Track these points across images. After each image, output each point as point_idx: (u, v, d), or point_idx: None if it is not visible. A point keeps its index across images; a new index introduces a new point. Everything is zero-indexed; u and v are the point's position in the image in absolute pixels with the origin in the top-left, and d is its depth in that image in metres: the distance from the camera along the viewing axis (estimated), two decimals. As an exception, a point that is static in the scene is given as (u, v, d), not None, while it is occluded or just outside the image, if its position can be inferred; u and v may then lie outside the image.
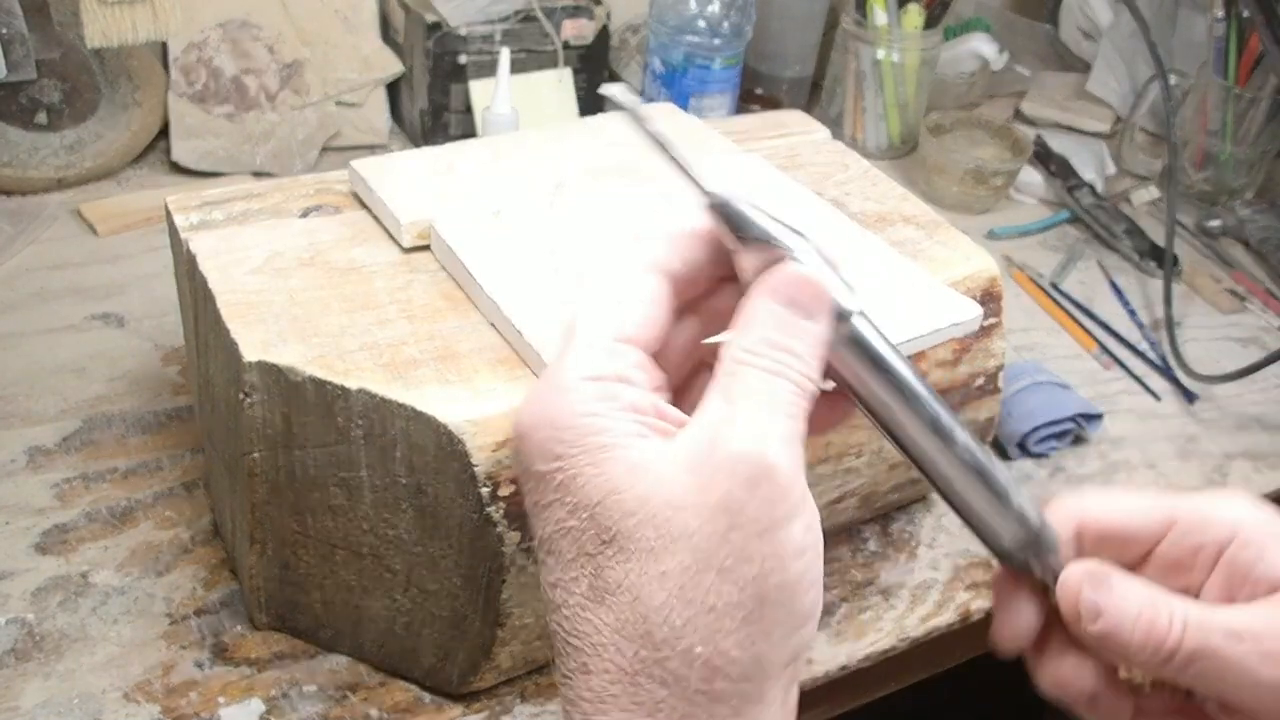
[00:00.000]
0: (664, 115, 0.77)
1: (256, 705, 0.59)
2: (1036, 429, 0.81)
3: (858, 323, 0.35)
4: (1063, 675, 0.38)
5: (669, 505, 0.31)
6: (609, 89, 0.35)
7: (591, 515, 0.31)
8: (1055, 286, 1.02)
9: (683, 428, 0.33)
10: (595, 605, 0.31)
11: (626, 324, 0.34)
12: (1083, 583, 0.37)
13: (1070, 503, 0.40)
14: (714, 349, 0.35)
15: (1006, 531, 0.37)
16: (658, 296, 0.35)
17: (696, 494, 0.31)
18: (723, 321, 0.35)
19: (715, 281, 0.37)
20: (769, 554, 0.31)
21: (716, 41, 1.05)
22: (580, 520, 0.32)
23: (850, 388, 0.36)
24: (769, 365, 0.33)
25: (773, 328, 0.33)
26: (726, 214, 0.35)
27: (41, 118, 0.97)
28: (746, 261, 0.35)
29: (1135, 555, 0.39)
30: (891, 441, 0.37)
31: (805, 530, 0.32)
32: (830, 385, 0.36)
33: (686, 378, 0.38)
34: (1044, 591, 0.39)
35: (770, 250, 0.34)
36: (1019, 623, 0.39)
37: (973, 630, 0.70)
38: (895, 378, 0.35)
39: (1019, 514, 0.37)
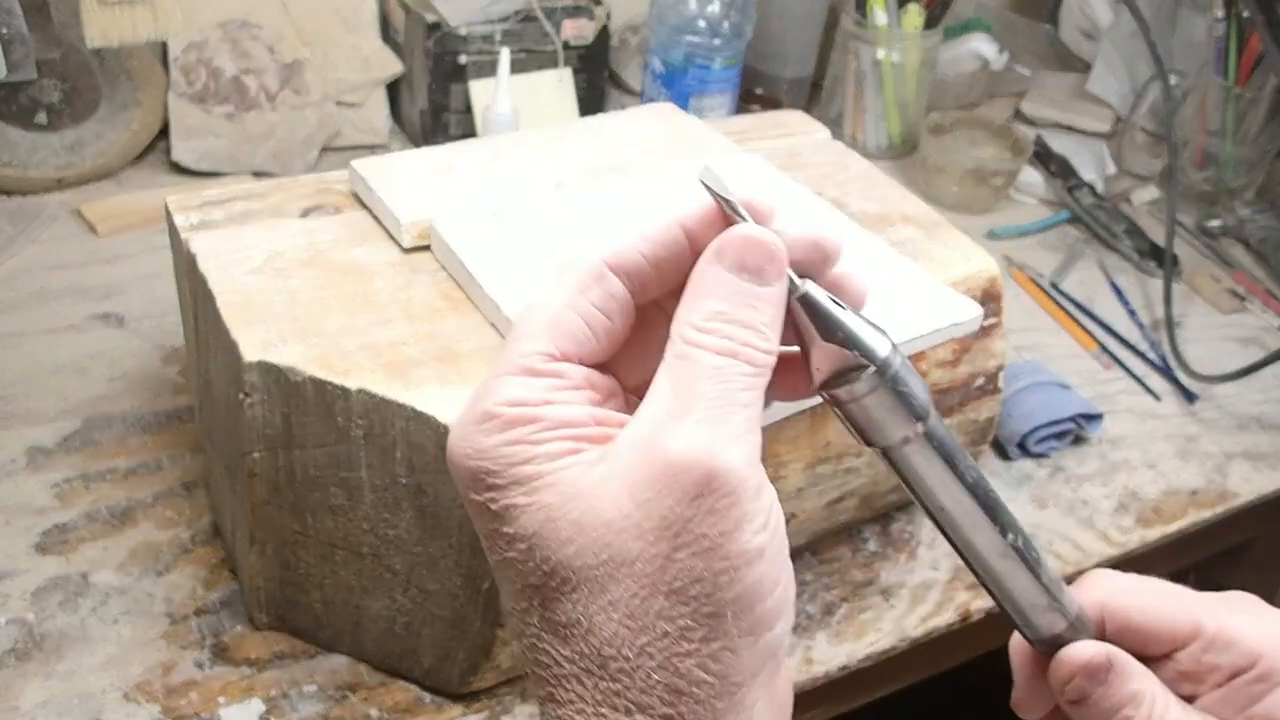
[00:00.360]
0: (663, 114, 0.77)
1: (256, 705, 0.59)
2: (1036, 429, 0.81)
3: (935, 423, 0.33)
4: None
5: (608, 529, 0.28)
6: (706, 175, 0.31)
7: (530, 546, 0.29)
8: (1055, 286, 1.02)
9: (611, 438, 0.30)
10: (551, 636, 0.30)
11: (564, 338, 0.31)
12: (1076, 673, 0.37)
13: (1102, 581, 0.39)
14: None
15: (1044, 622, 0.37)
16: (608, 303, 0.31)
17: (636, 512, 0.28)
18: None
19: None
20: (720, 569, 0.28)
21: (716, 41, 1.05)
22: (519, 552, 0.29)
23: (907, 476, 0.34)
24: (719, 344, 0.29)
25: (725, 298, 0.30)
26: (810, 308, 0.32)
27: (41, 118, 0.97)
28: (819, 359, 0.32)
29: (1152, 653, 0.38)
30: (935, 523, 0.35)
31: (759, 530, 0.29)
32: (794, 349, 0.33)
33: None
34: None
35: (842, 353, 0.32)
36: (1041, 697, 0.38)
37: (973, 630, 0.70)
38: (963, 477, 0.34)
39: (1060, 606, 0.37)
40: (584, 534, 0.28)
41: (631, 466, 0.29)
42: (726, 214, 0.32)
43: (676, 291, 0.32)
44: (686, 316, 0.30)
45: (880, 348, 0.31)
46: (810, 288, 0.32)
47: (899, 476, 0.34)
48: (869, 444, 0.33)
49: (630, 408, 0.32)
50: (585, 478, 0.29)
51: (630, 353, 0.33)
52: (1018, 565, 0.35)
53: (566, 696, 0.29)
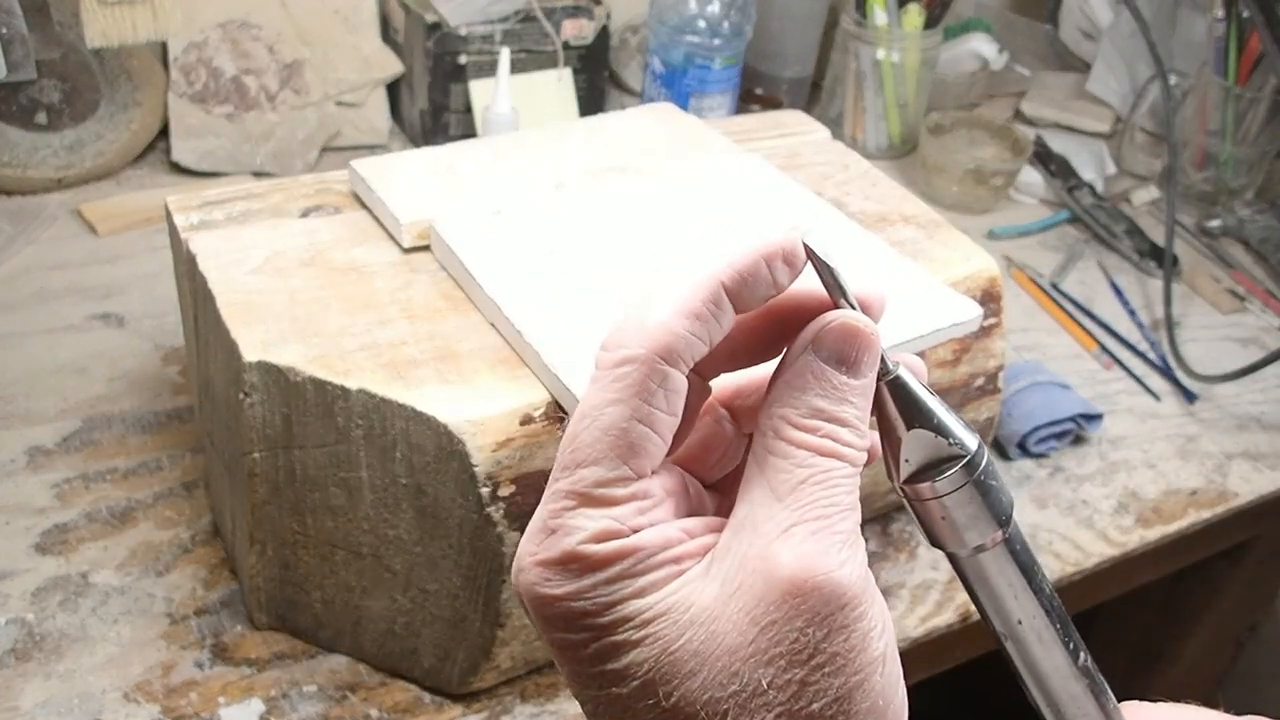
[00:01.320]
0: (663, 114, 0.77)
1: (256, 705, 0.59)
2: (1036, 429, 0.81)
3: (1015, 530, 0.31)
4: None
5: (733, 656, 0.27)
6: (809, 237, 0.29)
7: (645, 682, 0.27)
8: (1055, 286, 1.02)
9: (719, 533, 0.28)
10: None
11: (632, 452, 0.28)
12: None
13: (1138, 713, 0.37)
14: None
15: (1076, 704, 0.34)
16: (674, 401, 0.28)
17: (761, 637, 0.26)
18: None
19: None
20: (855, 684, 0.27)
21: (716, 41, 1.05)
22: (633, 689, 0.27)
23: (977, 586, 0.32)
24: (821, 444, 0.28)
25: (821, 392, 0.28)
26: (903, 394, 0.30)
27: (41, 118, 0.97)
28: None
29: None
30: (997, 637, 0.33)
31: (882, 634, 0.28)
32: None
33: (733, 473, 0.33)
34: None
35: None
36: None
37: (973, 630, 0.70)
38: (1039, 589, 0.31)
39: (1092, 697, 0.34)
40: (708, 664, 0.27)
41: (748, 587, 0.27)
42: (823, 282, 0.29)
43: (723, 353, 0.30)
44: (782, 411, 0.28)
45: (970, 441, 0.30)
46: (903, 372, 0.30)
47: (966, 584, 0.31)
48: (940, 546, 0.31)
49: (692, 492, 0.30)
50: (698, 601, 0.27)
51: (701, 454, 0.32)
52: (1086, 691, 0.33)
53: None
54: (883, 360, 0.30)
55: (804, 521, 0.27)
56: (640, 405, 0.28)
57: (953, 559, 0.31)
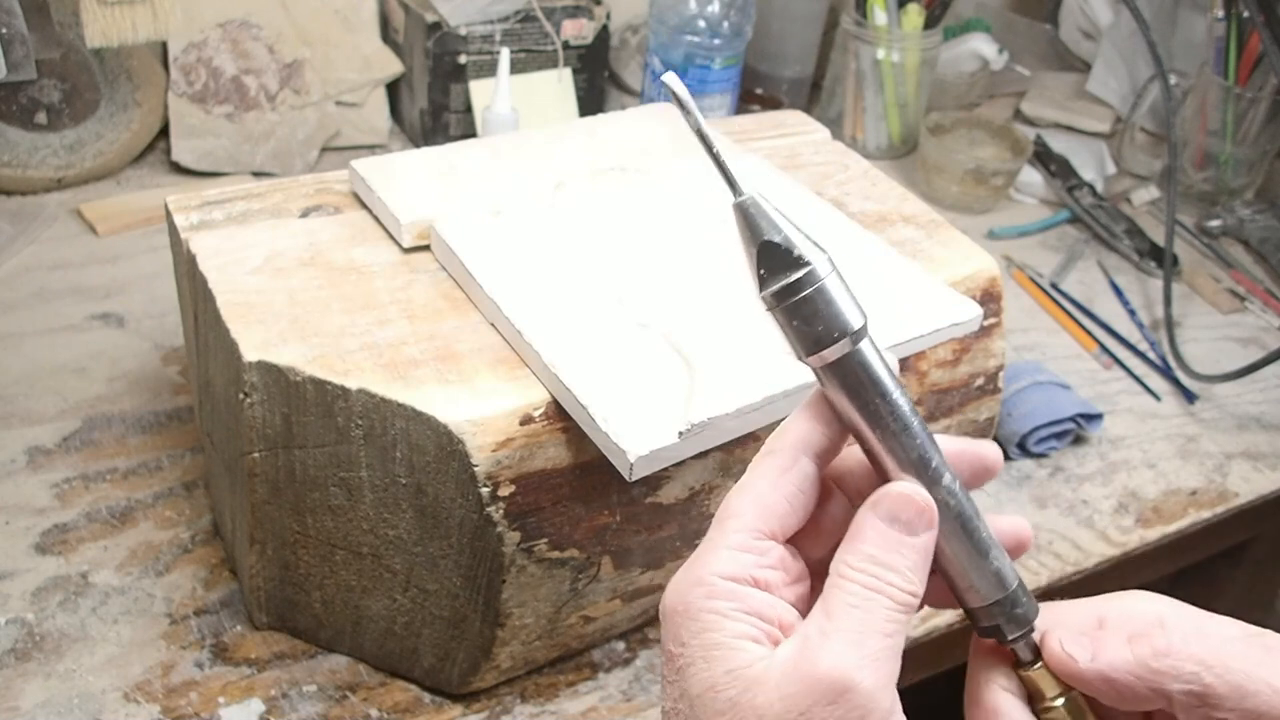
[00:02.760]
0: (664, 114, 0.77)
1: (256, 705, 0.59)
2: (1036, 429, 0.81)
3: (863, 344, 0.35)
4: None
5: (754, 713, 0.33)
6: (668, 78, 0.35)
7: (691, 705, 0.34)
8: (1055, 286, 1.02)
9: (790, 637, 0.35)
10: None
11: (770, 517, 0.36)
12: (1064, 636, 0.38)
13: (1206, 629, 0.39)
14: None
15: (982, 586, 0.37)
16: (804, 484, 0.37)
17: (780, 705, 0.33)
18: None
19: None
20: None
21: (716, 41, 1.05)
22: (685, 706, 0.34)
23: (840, 404, 0.36)
24: (868, 581, 0.34)
25: (875, 543, 0.35)
26: (750, 215, 0.35)
27: (41, 118, 0.97)
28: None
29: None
30: (876, 472, 0.37)
31: None
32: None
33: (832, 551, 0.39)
34: (1012, 663, 0.39)
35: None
36: (992, 695, 0.39)
37: (973, 630, 0.70)
38: (890, 406, 0.35)
39: (996, 571, 0.37)
40: (735, 712, 0.33)
41: (785, 669, 0.33)
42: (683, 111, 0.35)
43: (850, 472, 0.39)
44: (843, 556, 0.35)
45: (813, 255, 0.34)
46: (757, 195, 0.35)
47: (831, 398, 0.36)
48: (798, 358, 0.35)
49: (811, 588, 0.37)
50: (750, 668, 0.34)
51: (811, 528, 0.38)
52: (948, 516, 0.36)
53: None
54: (736, 185, 0.35)
55: (840, 633, 0.33)
56: (779, 479, 0.36)
57: (815, 374, 0.36)
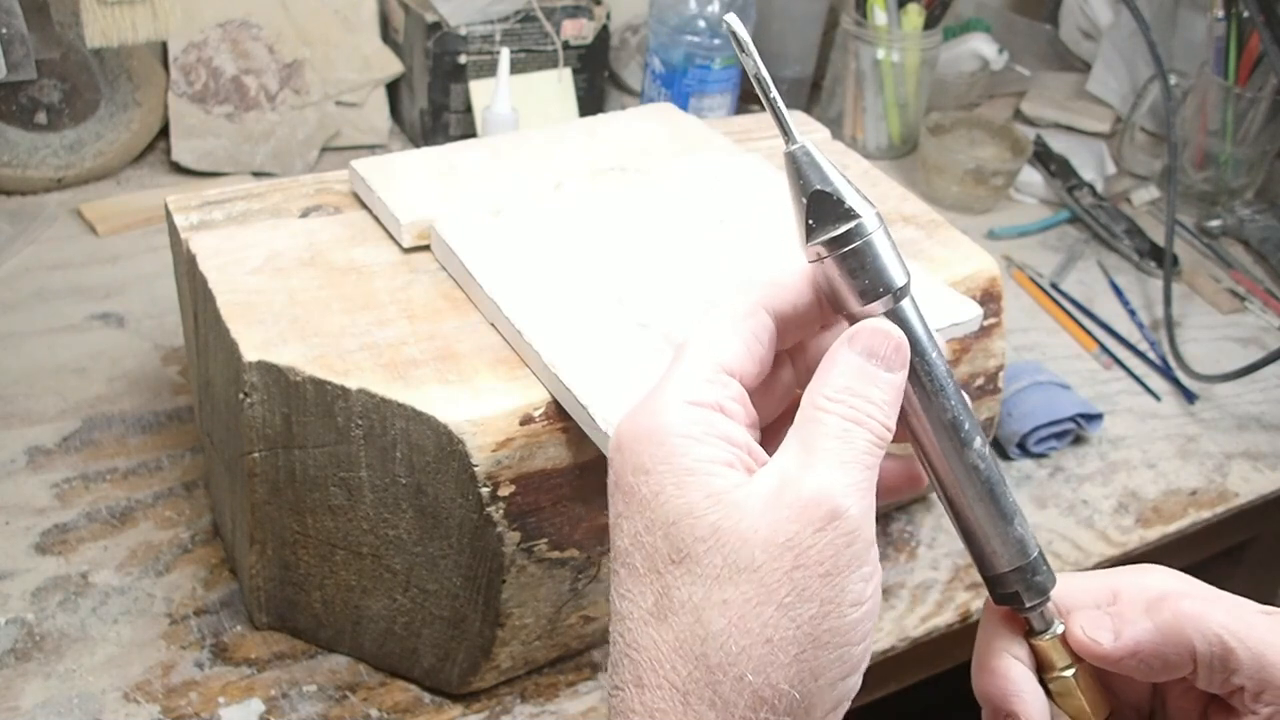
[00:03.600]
0: (663, 114, 0.77)
1: (256, 705, 0.59)
2: (1036, 429, 0.81)
3: (905, 303, 0.35)
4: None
5: (739, 537, 0.32)
6: (730, 18, 0.35)
7: (666, 534, 0.33)
8: (1055, 286, 1.02)
9: (763, 466, 0.34)
10: (658, 622, 0.33)
11: (730, 356, 0.35)
12: (1085, 621, 0.38)
13: (1229, 610, 0.39)
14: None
15: (1004, 552, 0.37)
16: (762, 334, 0.36)
17: (766, 530, 0.32)
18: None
19: (815, 331, 0.38)
20: (828, 597, 0.32)
21: (716, 41, 1.05)
22: (655, 537, 0.33)
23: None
24: (846, 412, 0.34)
25: (853, 376, 0.34)
26: (802, 164, 0.35)
27: (41, 118, 0.97)
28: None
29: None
30: (909, 433, 0.37)
31: (865, 581, 0.32)
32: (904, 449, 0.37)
33: (775, 422, 0.39)
34: (1025, 632, 0.39)
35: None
36: (1003, 662, 0.39)
37: (972, 630, 0.70)
38: (928, 365, 0.35)
39: (1019, 538, 0.37)
40: (718, 536, 0.32)
41: (768, 493, 0.32)
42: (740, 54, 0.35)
43: (794, 349, 0.38)
44: (818, 388, 0.34)
45: (863, 209, 0.35)
46: (809, 144, 0.35)
47: None
48: (839, 309, 0.36)
49: (763, 443, 0.36)
50: (729, 494, 0.32)
51: (761, 390, 0.37)
52: (976, 480, 0.36)
53: (655, 681, 0.32)
54: (790, 134, 0.35)
55: (824, 460, 0.33)
56: (739, 323, 0.36)
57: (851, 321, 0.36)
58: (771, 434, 0.37)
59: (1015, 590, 0.37)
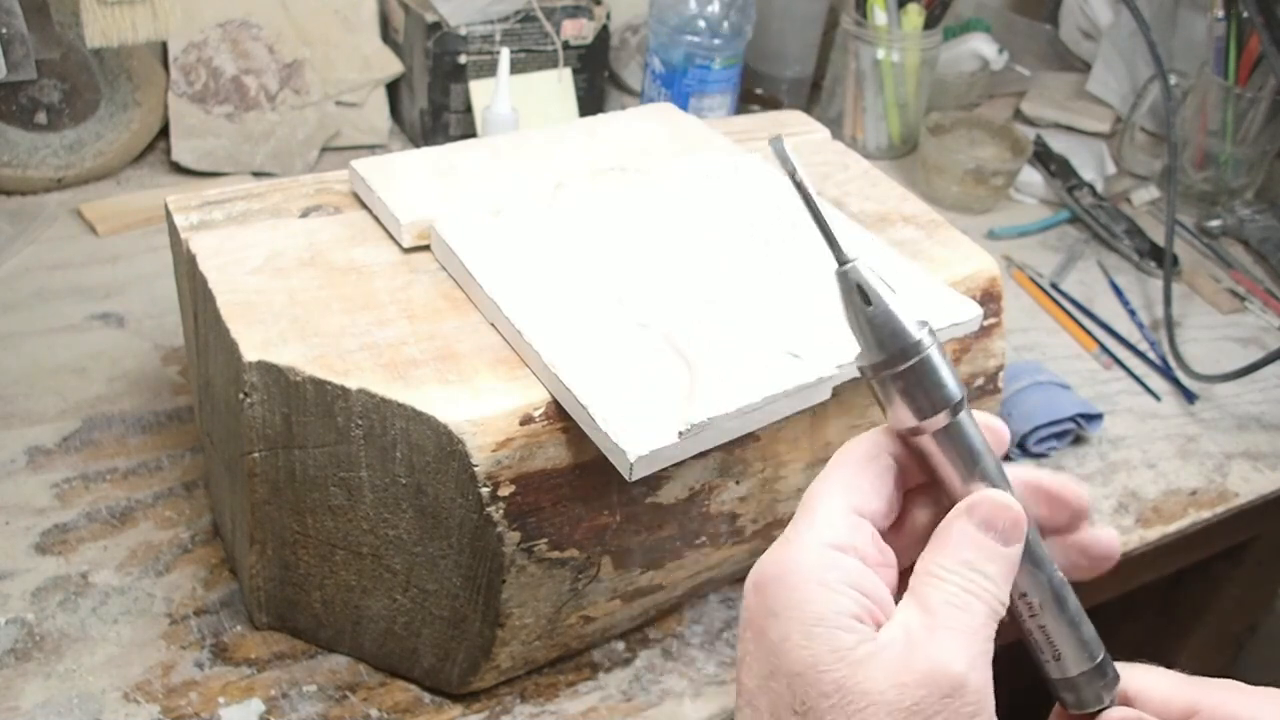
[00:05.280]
0: (663, 114, 0.77)
1: (256, 705, 0.59)
2: (1036, 429, 0.81)
3: (963, 416, 0.35)
4: None
5: (864, 697, 0.32)
6: (775, 143, 0.35)
7: (790, 683, 0.33)
8: (1055, 286, 1.02)
9: (889, 622, 0.34)
10: None
11: (861, 498, 0.36)
12: None
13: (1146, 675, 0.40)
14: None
15: (1071, 655, 0.37)
16: (886, 475, 0.37)
17: (892, 694, 0.32)
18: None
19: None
20: None
21: (716, 41, 1.05)
22: (780, 684, 0.33)
23: (933, 460, 0.36)
24: (967, 585, 0.34)
25: (970, 549, 0.35)
26: (854, 284, 0.35)
27: (41, 118, 0.97)
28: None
29: None
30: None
31: None
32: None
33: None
34: None
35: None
36: None
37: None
38: (991, 480, 0.36)
39: (1087, 640, 0.37)
40: (842, 694, 0.32)
41: (895, 657, 0.33)
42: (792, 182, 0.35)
43: (920, 489, 0.38)
44: (934, 557, 0.35)
45: (908, 335, 0.34)
46: (859, 263, 0.35)
47: (928, 468, 0.37)
48: (895, 425, 0.36)
49: (893, 582, 0.36)
50: (855, 650, 0.33)
51: (893, 531, 0.38)
52: (1052, 594, 0.36)
53: None
54: (838, 247, 0.35)
55: (950, 630, 0.33)
56: (866, 465, 0.36)
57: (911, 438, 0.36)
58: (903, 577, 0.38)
59: (1081, 694, 0.37)
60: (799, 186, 0.35)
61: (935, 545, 0.35)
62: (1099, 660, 0.37)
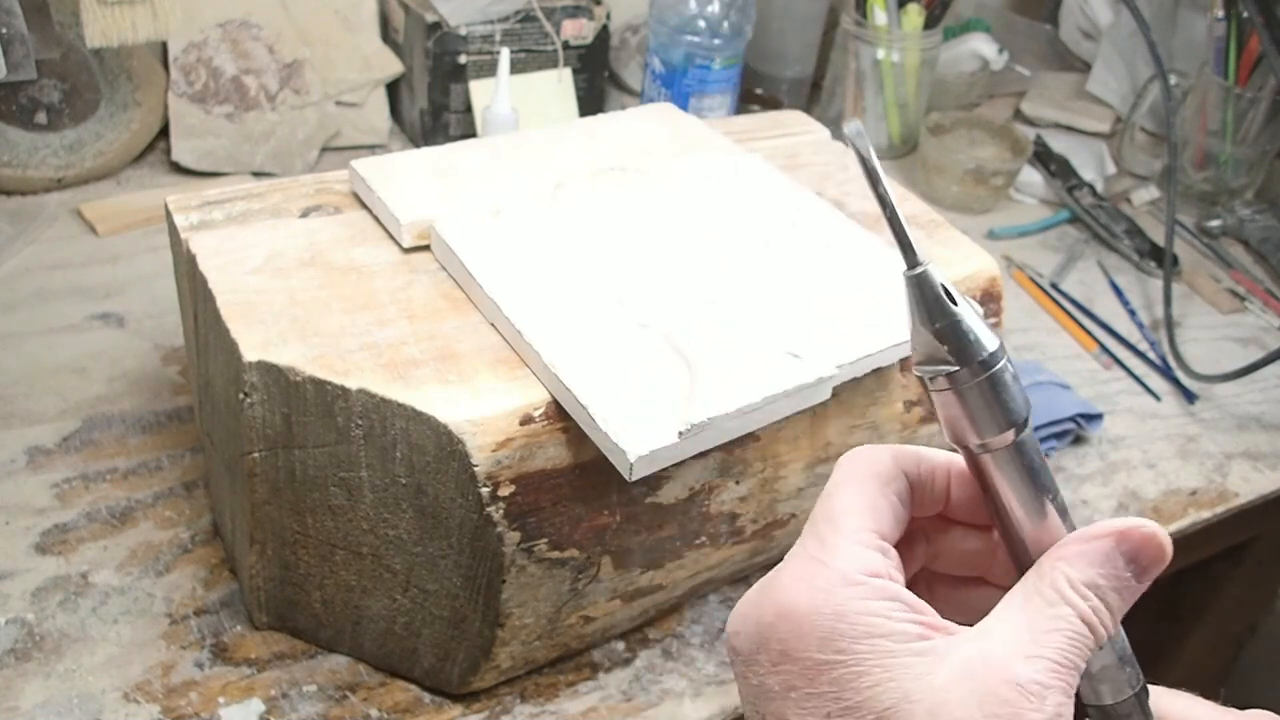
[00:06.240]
0: (663, 114, 0.77)
1: (256, 705, 0.59)
2: (1036, 429, 0.81)
3: (1030, 435, 0.34)
4: None
5: None
6: (849, 127, 0.33)
7: (879, 718, 0.31)
8: (1055, 286, 1.02)
9: (952, 634, 0.33)
10: None
11: (885, 523, 0.34)
12: None
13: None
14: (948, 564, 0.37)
15: (1115, 685, 0.36)
16: (906, 498, 0.36)
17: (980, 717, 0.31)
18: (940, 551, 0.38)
19: (939, 511, 0.38)
20: None
21: (716, 41, 1.05)
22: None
23: (995, 491, 0.35)
24: (1086, 611, 0.33)
25: (1106, 574, 0.33)
26: (925, 287, 0.33)
27: (41, 118, 0.97)
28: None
29: None
30: (1010, 552, 0.36)
31: None
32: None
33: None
34: None
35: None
36: None
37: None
38: (1040, 497, 0.34)
39: (1129, 670, 0.36)
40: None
41: (986, 681, 0.31)
42: (863, 169, 0.32)
43: (927, 516, 0.37)
44: (1069, 569, 0.33)
45: (980, 347, 0.33)
46: (930, 268, 0.33)
47: (981, 484, 0.35)
48: (952, 440, 0.34)
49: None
50: (938, 674, 0.31)
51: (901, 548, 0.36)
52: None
53: None
54: (912, 252, 0.32)
55: (1046, 659, 0.31)
56: (885, 487, 0.35)
57: (965, 454, 0.34)
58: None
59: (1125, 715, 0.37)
60: (871, 176, 0.32)
61: (1073, 552, 0.33)
62: (1137, 689, 0.36)
